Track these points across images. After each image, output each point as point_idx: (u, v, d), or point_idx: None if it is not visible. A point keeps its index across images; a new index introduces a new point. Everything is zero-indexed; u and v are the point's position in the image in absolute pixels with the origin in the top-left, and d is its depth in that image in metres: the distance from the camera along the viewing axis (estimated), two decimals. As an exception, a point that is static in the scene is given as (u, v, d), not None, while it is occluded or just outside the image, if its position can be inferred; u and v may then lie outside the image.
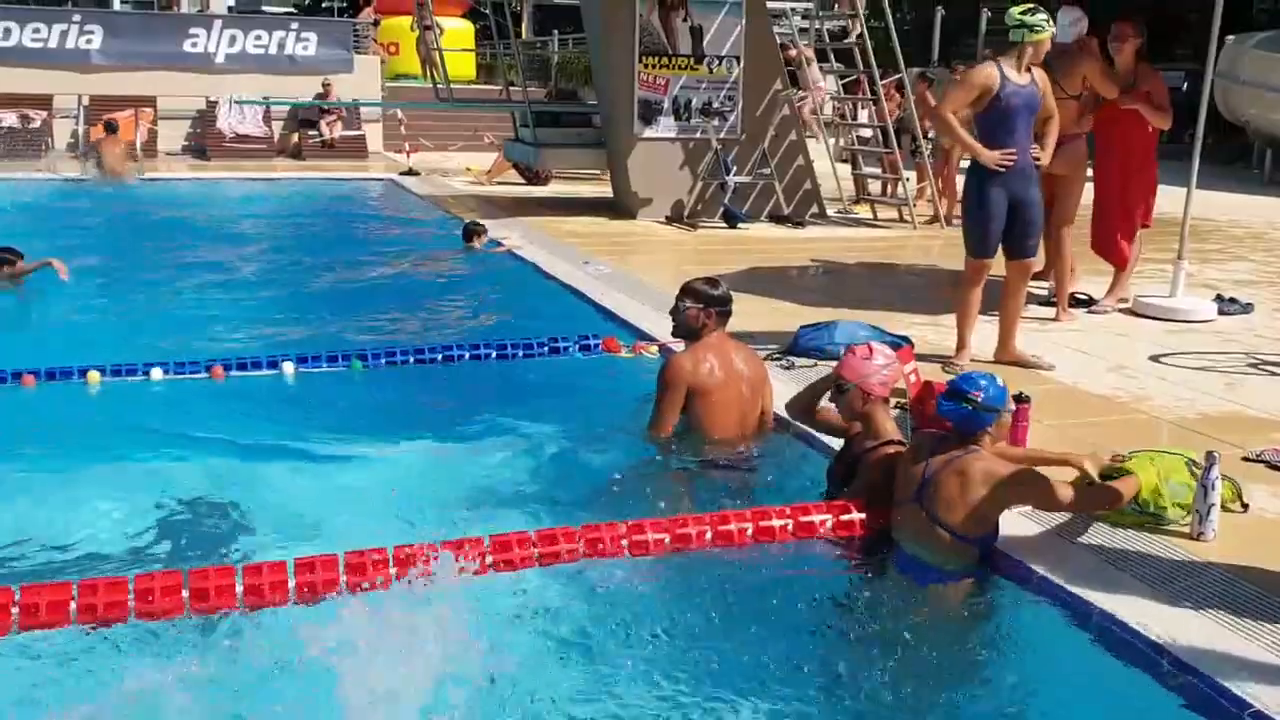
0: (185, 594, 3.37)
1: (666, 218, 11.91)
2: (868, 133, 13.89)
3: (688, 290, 4.90)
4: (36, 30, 17.65)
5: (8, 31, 17.52)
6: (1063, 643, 3.39)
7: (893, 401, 5.06)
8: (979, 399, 3.67)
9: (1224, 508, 3.96)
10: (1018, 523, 3.93)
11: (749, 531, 3.90)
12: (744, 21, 11.95)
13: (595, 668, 3.33)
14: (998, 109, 5.88)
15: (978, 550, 3.70)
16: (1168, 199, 7.98)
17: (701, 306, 4.88)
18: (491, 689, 3.19)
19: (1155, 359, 6.48)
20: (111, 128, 15.45)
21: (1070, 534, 3.92)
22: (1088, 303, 7.82)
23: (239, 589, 3.42)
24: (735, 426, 4.86)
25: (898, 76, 13.26)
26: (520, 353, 6.41)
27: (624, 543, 3.80)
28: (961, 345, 6.15)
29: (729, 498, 4.47)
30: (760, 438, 4.95)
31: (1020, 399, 4.66)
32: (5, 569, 3.79)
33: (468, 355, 6.37)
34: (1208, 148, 7.85)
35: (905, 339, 6.11)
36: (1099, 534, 3.93)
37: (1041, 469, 3.82)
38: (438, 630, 3.42)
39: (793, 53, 13.85)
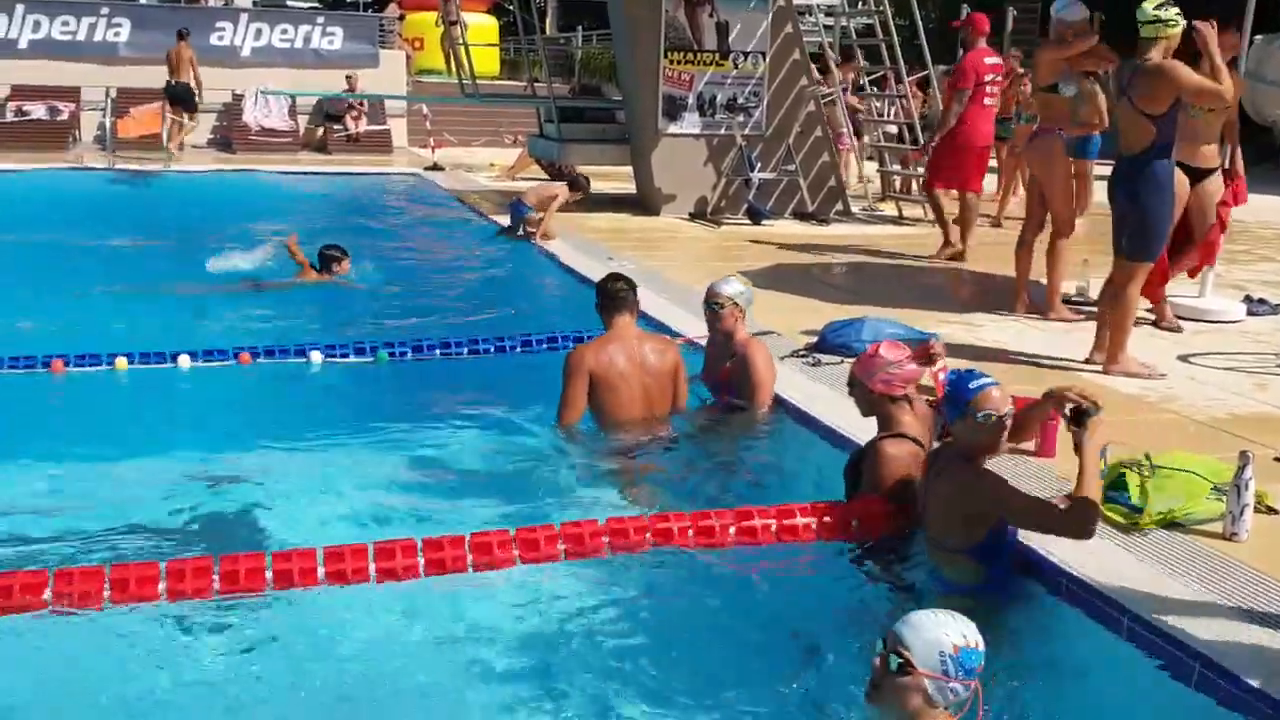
0: (215, 579, 3.39)
1: (690, 214, 11.90)
2: (893, 129, 13.84)
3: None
4: (65, 23, 17.81)
5: (38, 24, 17.68)
6: (1092, 644, 3.36)
7: (921, 399, 5.07)
8: (941, 392, 3.67)
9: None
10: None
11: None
12: (770, 17, 11.92)
13: (608, 667, 3.34)
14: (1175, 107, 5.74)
15: (974, 562, 3.59)
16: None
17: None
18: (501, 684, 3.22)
19: (1184, 359, 6.44)
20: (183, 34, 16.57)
21: (1101, 533, 3.89)
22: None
23: (269, 575, 3.44)
24: (641, 413, 4.99)
25: (923, 74, 13.22)
26: (545, 345, 6.43)
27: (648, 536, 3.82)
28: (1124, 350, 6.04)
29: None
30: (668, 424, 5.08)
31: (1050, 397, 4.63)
32: (38, 552, 3.83)
33: (493, 349, 6.40)
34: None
35: (934, 337, 6.08)
36: (1130, 533, 3.91)
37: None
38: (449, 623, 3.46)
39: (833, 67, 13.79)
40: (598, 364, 4.92)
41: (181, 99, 16.52)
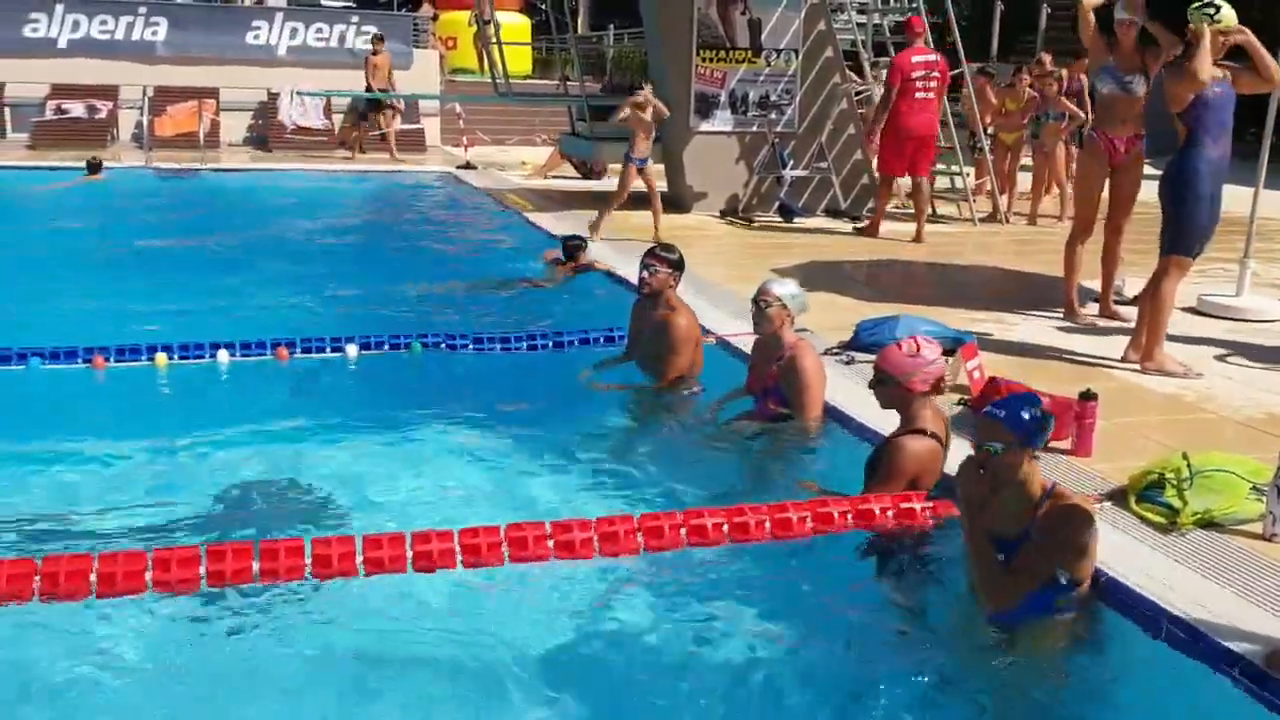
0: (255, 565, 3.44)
1: (721, 212, 11.90)
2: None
3: (657, 257, 5.50)
4: (104, 22, 18.00)
5: (76, 24, 17.89)
6: (1129, 645, 3.34)
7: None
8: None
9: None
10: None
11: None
12: (802, 14, 11.90)
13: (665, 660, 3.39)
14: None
15: None
16: (1233, 198, 7.84)
17: (670, 270, 5.49)
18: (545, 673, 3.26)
19: (1221, 358, 6.38)
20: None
21: (1137, 534, 3.88)
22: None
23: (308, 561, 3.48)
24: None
25: (957, 71, 13.14)
26: (575, 341, 6.45)
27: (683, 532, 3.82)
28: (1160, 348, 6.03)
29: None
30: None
31: (1087, 396, 4.61)
32: (80, 540, 3.89)
33: (525, 346, 6.43)
34: (1272, 146, 7.72)
35: (969, 335, 6.07)
36: (1168, 533, 3.88)
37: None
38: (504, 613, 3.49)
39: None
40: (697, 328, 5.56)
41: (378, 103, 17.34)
